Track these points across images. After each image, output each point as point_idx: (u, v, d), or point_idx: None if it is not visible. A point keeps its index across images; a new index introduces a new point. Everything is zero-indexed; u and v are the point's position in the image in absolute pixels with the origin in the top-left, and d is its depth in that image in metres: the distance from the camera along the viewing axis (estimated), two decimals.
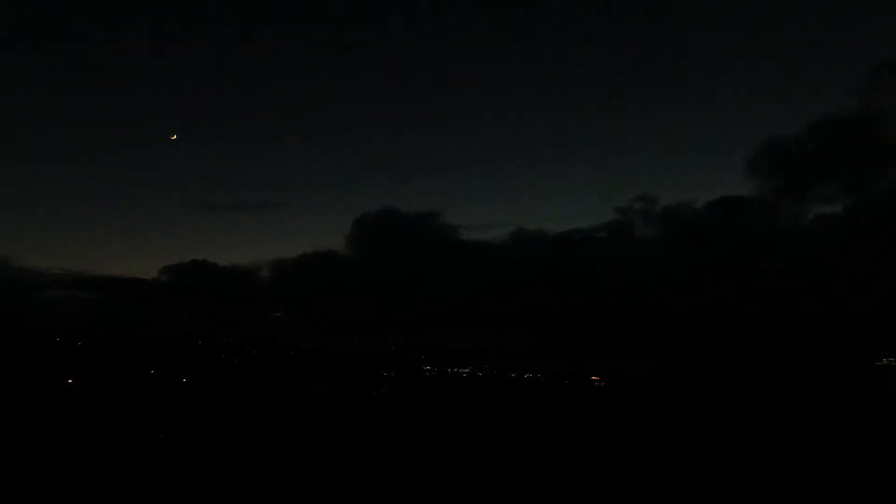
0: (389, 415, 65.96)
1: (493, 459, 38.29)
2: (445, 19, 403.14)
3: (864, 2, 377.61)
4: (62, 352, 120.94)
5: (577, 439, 49.25)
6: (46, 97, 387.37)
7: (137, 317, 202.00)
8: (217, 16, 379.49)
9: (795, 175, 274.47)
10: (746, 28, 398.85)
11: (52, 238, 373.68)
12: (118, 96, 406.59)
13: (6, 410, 51.33)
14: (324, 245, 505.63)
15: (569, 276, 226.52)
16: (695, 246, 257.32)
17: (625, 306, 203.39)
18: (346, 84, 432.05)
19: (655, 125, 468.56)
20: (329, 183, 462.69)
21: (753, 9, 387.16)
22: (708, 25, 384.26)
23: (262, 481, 31.07)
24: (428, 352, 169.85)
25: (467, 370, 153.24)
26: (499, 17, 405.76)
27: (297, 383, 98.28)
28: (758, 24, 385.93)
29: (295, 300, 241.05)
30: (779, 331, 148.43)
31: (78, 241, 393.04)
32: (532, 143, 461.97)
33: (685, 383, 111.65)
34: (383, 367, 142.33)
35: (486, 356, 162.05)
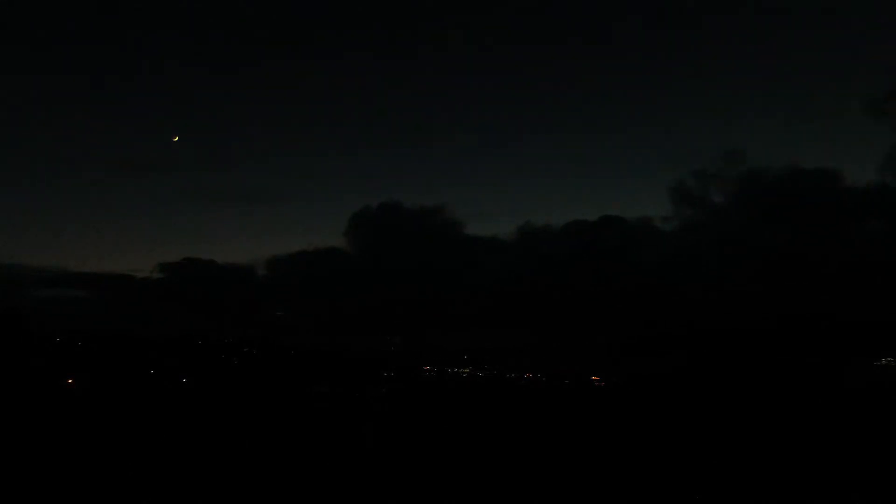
0: (389, 415, 65.98)
1: (492, 459, 38.29)
2: (447, 7, 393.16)
3: None
4: (62, 352, 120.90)
5: (576, 439, 49.25)
6: (42, 96, 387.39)
7: (133, 315, 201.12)
8: (214, 8, 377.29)
9: None
10: None
11: (42, 235, 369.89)
12: (116, 94, 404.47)
13: (7, 410, 51.36)
14: (323, 241, 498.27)
15: (574, 272, 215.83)
16: (751, 227, 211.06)
17: (632, 305, 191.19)
18: (346, 74, 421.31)
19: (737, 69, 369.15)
20: (329, 176, 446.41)
21: None
22: None
23: (262, 480, 31.06)
24: (428, 352, 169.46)
25: (467, 370, 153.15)
26: None
27: (297, 383, 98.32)
28: None
29: (294, 299, 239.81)
30: (780, 329, 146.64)
31: (70, 238, 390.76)
32: (548, 125, 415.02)
33: (684, 383, 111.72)
34: (383, 367, 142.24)
35: (487, 356, 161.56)
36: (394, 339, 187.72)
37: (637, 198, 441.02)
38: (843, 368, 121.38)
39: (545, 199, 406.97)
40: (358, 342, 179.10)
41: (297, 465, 34.72)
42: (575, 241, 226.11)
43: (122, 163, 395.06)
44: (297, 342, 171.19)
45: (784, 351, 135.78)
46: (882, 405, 75.69)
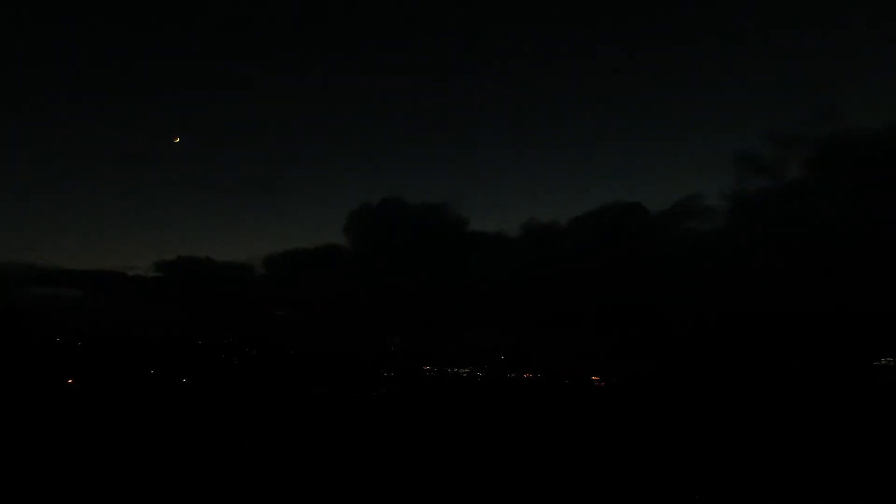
0: (389, 415, 65.92)
1: (492, 459, 38.25)
2: (449, 7, 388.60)
3: None
4: (62, 352, 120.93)
5: (576, 439, 49.21)
6: (39, 97, 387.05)
7: (131, 315, 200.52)
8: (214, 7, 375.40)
9: None
10: None
11: (39, 234, 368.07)
12: (114, 93, 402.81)
13: (7, 410, 51.34)
14: (322, 238, 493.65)
15: (580, 269, 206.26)
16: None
17: (635, 303, 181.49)
18: (346, 72, 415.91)
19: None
20: (329, 173, 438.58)
21: None
22: None
23: (262, 480, 31.02)
24: (428, 352, 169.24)
25: (467, 370, 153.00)
26: None
27: (297, 383, 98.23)
28: None
29: (294, 298, 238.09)
30: (781, 327, 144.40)
31: (66, 236, 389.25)
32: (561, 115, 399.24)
33: (684, 382, 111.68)
34: (383, 367, 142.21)
35: (487, 356, 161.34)
36: (394, 339, 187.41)
37: (672, 181, 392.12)
38: (844, 368, 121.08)
39: (553, 192, 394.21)
40: (358, 342, 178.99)
41: (297, 465, 34.69)
42: (583, 236, 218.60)
43: (120, 160, 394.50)
44: (296, 342, 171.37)
45: (788, 351, 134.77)
46: (882, 405, 75.64)
